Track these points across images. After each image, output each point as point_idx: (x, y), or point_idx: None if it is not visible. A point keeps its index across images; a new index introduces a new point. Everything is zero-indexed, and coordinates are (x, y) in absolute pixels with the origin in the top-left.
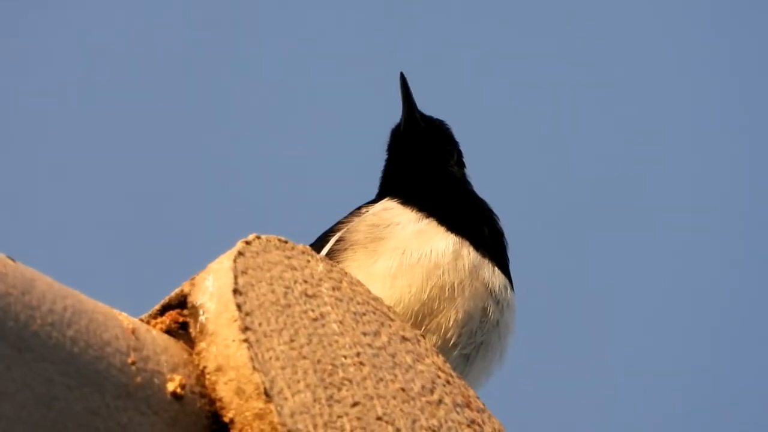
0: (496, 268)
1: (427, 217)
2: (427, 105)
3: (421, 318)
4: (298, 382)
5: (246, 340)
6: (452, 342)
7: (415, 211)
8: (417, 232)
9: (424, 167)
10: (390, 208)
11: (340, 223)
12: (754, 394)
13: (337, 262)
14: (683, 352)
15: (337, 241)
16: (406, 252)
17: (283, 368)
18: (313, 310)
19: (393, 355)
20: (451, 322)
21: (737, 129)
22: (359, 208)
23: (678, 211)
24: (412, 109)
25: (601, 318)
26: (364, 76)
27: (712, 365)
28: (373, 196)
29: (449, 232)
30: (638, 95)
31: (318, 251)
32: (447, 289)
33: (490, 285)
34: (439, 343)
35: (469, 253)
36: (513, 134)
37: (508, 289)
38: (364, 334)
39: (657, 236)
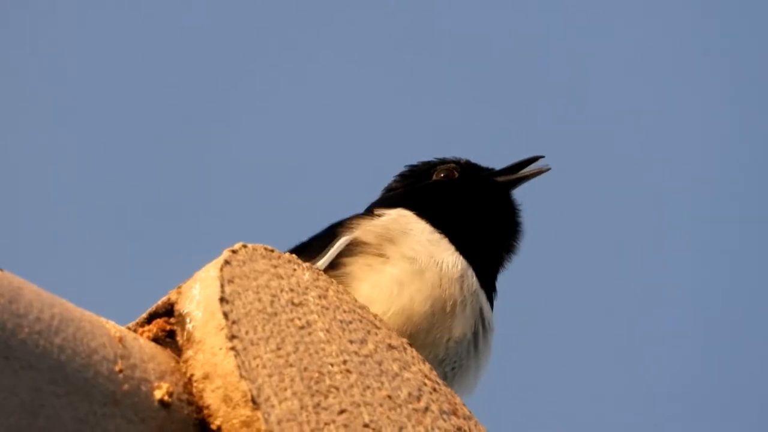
0: (485, 299)
1: (440, 233)
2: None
3: (420, 329)
4: (285, 389)
5: (233, 348)
6: (439, 358)
7: (429, 224)
8: (429, 243)
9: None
10: (405, 215)
11: (347, 222)
12: (748, 398)
13: (345, 262)
14: (675, 358)
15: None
16: (415, 260)
17: (270, 376)
18: (299, 318)
19: (379, 363)
20: (445, 339)
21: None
22: (370, 211)
23: (669, 209)
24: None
25: (589, 328)
26: (360, 82)
27: (706, 368)
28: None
29: (458, 252)
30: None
31: (323, 250)
32: (450, 304)
33: (484, 313)
34: (429, 357)
35: (471, 276)
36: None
37: (493, 322)
38: (351, 341)
39: (650, 238)
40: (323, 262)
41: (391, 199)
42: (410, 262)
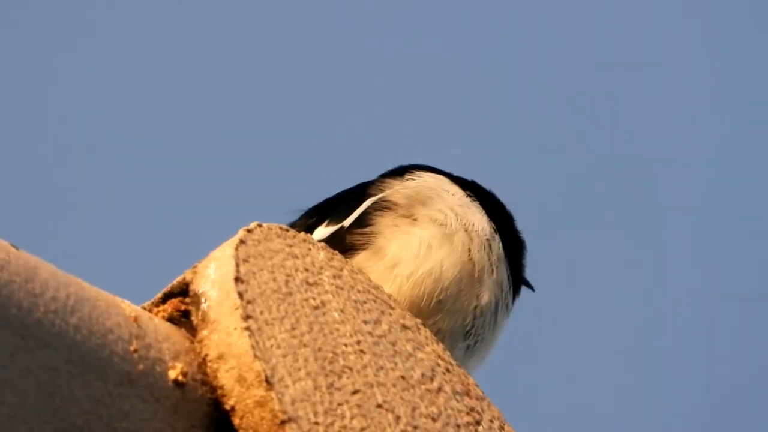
0: (507, 274)
1: (472, 198)
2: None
3: (449, 294)
4: (299, 369)
5: (247, 328)
6: (466, 325)
7: (460, 188)
8: (459, 206)
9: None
10: (437, 177)
11: (377, 181)
12: (751, 394)
13: (372, 221)
14: (680, 350)
15: (376, 201)
16: (444, 224)
17: (284, 356)
18: (314, 299)
19: (393, 343)
20: (473, 306)
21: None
22: (401, 172)
23: (675, 206)
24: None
25: (601, 306)
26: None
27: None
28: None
29: (487, 217)
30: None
31: (352, 208)
32: (478, 269)
33: (503, 284)
34: (457, 324)
35: (498, 243)
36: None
37: (511, 295)
38: (365, 322)
39: (650, 235)
40: (349, 220)
41: (422, 165)
42: (439, 225)
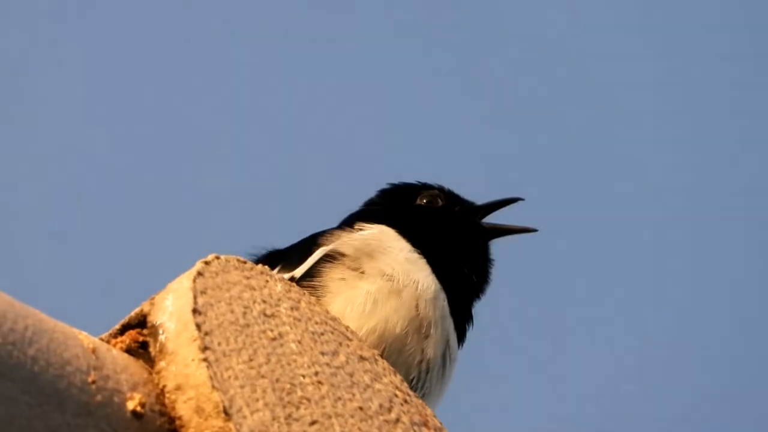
0: (453, 328)
1: (419, 253)
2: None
3: (393, 350)
4: (257, 400)
5: (205, 360)
6: (410, 380)
7: (409, 243)
8: (406, 261)
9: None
10: (386, 231)
11: (327, 233)
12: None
13: (320, 273)
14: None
15: (325, 253)
16: (393, 278)
17: (242, 387)
18: (271, 330)
19: (351, 374)
20: (417, 360)
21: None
22: (350, 224)
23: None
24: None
25: (555, 341)
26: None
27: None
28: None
29: (433, 275)
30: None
31: (302, 259)
32: (425, 325)
33: (450, 341)
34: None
35: (444, 300)
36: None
37: (457, 348)
38: (323, 353)
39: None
40: (300, 270)
41: (372, 213)
42: (387, 279)
